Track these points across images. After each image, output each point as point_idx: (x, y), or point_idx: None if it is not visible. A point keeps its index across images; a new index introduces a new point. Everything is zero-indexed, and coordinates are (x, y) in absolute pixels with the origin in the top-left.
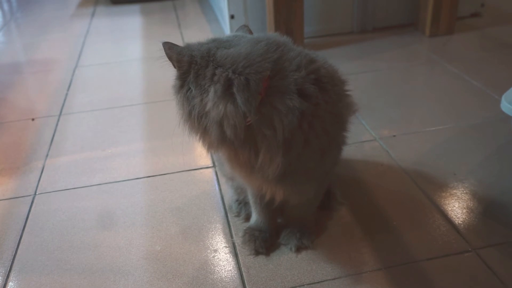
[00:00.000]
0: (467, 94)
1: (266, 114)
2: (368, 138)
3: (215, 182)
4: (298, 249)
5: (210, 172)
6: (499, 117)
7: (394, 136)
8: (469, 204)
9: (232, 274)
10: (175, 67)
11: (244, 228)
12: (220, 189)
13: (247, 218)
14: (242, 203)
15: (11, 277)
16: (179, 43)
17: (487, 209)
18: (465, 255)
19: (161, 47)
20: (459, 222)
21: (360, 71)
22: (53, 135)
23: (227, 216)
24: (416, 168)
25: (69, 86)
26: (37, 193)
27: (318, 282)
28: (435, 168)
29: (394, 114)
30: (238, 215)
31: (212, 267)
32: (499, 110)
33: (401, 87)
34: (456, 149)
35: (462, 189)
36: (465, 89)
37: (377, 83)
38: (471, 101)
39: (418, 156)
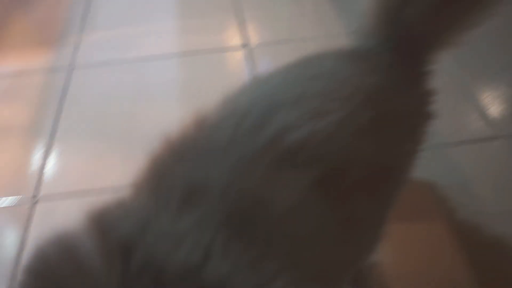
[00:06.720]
0: None
1: None
2: None
3: (244, 64)
4: None
5: (240, 55)
6: None
7: None
8: (503, 93)
9: None
10: None
11: None
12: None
13: None
14: None
15: (55, 143)
16: None
17: None
18: (494, 143)
19: None
20: (492, 110)
21: None
22: (88, 10)
23: None
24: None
25: None
26: (74, 67)
27: None
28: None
29: None
30: None
31: None
32: None
33: None
34: None
35: (500, 79)
36: None
37: None
38: None
39: None
